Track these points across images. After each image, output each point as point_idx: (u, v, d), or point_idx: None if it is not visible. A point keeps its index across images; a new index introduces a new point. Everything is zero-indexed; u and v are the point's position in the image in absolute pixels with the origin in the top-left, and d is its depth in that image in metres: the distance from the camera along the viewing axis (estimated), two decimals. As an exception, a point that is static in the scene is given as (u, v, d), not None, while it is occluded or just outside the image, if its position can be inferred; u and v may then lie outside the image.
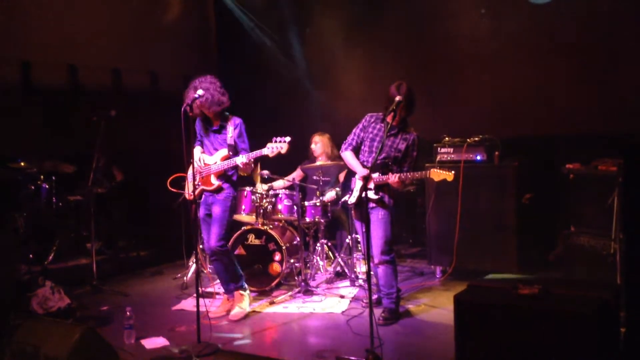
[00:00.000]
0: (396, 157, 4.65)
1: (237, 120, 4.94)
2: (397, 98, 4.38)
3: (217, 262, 4.97)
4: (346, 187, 4.93)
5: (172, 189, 5.33)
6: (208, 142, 4.99)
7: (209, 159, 4.93)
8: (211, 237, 4.86)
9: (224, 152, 4.87)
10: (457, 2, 6.83)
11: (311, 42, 7.98)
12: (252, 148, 4.86)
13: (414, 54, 7.11)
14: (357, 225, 5.07)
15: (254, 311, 5.07)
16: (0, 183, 6.17)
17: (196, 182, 4.89)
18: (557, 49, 6.15)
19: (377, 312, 4.66)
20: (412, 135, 4.68)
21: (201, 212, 5.01)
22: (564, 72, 6.10)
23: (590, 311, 2.94)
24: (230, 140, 4.86)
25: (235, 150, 4.87)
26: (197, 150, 5.02)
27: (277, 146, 4.60)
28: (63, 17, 7.04)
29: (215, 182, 4.85)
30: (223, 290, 5.17)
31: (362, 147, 4.84)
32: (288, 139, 4.63)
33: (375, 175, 4.60)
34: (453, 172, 4.51)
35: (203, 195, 4.98)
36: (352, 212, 5.09)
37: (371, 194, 4.62)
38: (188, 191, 5.05)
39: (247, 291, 5.07)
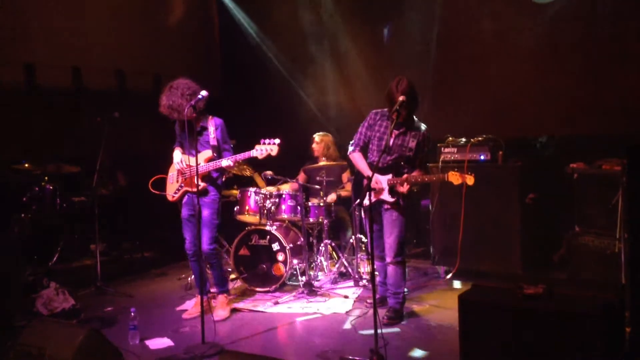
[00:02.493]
0: (408, 157, 4.58)
1: (218, 121, 4.86)
2: (401, 98, 4.29)
3: (211, 263, 5.00)
4: (357, 190, 4.85)
5: (154, 191, 5.13)
6: (189, 144, 4.81)
7: (192, 161, 4.74)
8: (203, 240, 4.77)
9: (208, 153, 4.78)
10: (460, 2, 6.83)
11: (312, 43, 7.98)
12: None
13: (417, 53, 7.11)
14: (368, 226, 5.02)
15: (258, 311, 5.08)
16: (4, 185, 6.20)
17: (179, 184, 4.87)
18: (560, 48, 6.15)
19: (382, 312, 4.65)
20: (421, 131, 4.59)
21: (184, 212, 4.93)
22: (568, 71, 6.10)
23: (595, 311, 2.93)
24: (213, 141, 4.78)
25: (218, 151, 4.81)
26: (177, 153, 4.92)
27: (267, 148, 4.49)
28: (66, 19, 7.07)
29: (200, 183, 4.68)
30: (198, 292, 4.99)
31: (370, 147, 4.74)
32: (277, 140, 4.51)
33: (389, 176, 4.58)
34: (473, 174, 4.39)
35: (186, 196, 4.92)
36: (363, 212, 5.05)
37: (387, 197, 4.59)
38: (169, 193, 4.98)
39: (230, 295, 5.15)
